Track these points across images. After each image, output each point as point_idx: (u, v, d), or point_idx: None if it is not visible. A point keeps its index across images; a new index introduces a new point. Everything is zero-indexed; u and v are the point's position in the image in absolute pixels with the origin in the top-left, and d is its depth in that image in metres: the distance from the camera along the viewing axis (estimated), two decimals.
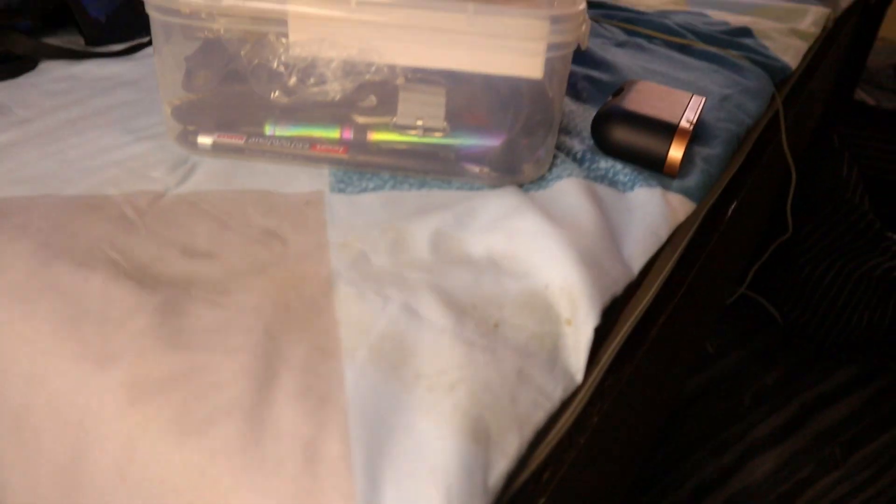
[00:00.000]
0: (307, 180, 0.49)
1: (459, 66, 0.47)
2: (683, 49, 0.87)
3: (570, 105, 0.65)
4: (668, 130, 0.55)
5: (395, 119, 0.49)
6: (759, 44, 0.93)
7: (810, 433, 1.31)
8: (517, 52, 0.46)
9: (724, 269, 1.01)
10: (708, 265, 0.63)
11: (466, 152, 0.51)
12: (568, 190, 0.49)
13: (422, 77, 0.49)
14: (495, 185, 0.50)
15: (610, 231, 0.47)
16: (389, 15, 0.44)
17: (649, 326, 0.47)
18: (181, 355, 0.35)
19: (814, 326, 1.46)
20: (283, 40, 0.46)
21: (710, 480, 1.19)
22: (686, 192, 0.54)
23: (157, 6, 0.45)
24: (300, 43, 0.46)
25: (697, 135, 0.62)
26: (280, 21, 0.45)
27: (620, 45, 0.85)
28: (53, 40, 0.68)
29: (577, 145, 0.57)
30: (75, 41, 0.69)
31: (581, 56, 0.75)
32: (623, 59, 0.78)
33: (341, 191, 0.49)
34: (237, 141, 0.50)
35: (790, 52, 0.93)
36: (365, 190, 0.49)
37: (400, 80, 0.47)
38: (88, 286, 0.39)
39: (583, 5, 0.47)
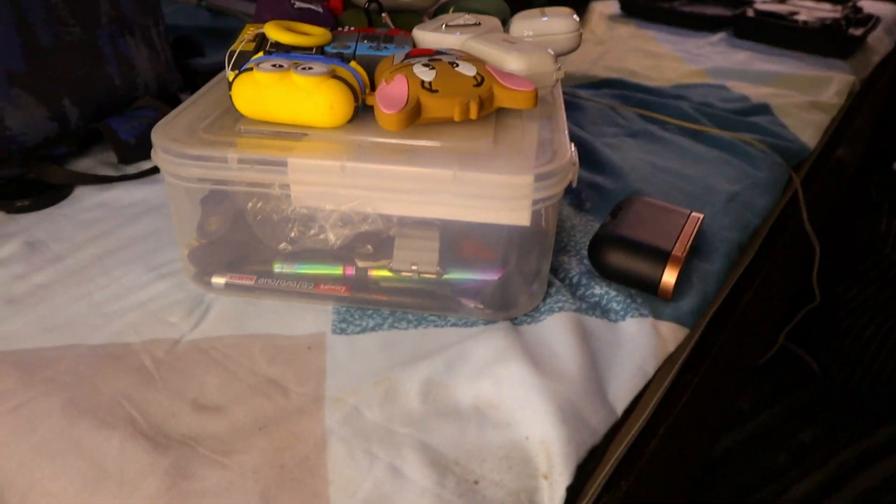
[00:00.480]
0: (312, 320, 0.53)
1: (448, 216, 0.50)
2: (697, 135, 0.88)
3: (573, 218, 0.67)
4: (662, 257, 0.56)
5: (391, 264, 0.52)
6: (778, 122, 0.94)
7: (850, 495, 1.28)
8: (503, 206, 0.49)
9: (752, 335, 1.01)
10: (711, 372, 0.65)
11: (462, 287, 0.54)
12: (558, 327, 0.52)
13: (416, 220, 0.52)
14: (490, 319, 0.53)
15: (596, 372, 0.49)
16: (377, 178, 0.48)
17: (649, 438, 0.51)
18: None
19: (854, 382, 1.43)
20: (286, 193, 0.50)
21: None
22: (678, 319, 0.55)
23: (170, 172, 0.49)
24: (300, 197, 0.50)
25: (698, 249, 0.64)
26: (282, 173, 0.49)
27: (633, 134, 0.87)
28: (88, 161, 0.74)
29: (575, 267, 0.60)
30: (108, 158, 0.75)
31: (589, 158, 0.78)
32: (632, 156, 0.80)
33: (342, 331, 0.52)
34: (248, 281, 0.54)
35: (810, 130, 0.93)
36: (364, 329, 0.52)
37: (393, 231, 0.51)
38: (108, 446, 0.43)
39: (568, 156, 0.50)
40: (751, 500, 1.27)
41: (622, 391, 0.49)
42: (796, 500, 1.28)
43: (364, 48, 0.61)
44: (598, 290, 0.57)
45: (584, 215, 0.68)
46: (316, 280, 0.54)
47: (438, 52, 0.58)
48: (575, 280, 0.58)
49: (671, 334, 0.54)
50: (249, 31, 0.61)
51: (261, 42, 0.59)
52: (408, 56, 0.58)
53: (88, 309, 0.53)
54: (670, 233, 0.59)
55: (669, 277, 0.56)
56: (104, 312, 0.53)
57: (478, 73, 0.54)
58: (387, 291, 0.54)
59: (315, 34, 0.61)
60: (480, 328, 0.52)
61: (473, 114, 0.52)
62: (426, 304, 0.54)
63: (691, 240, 0.59)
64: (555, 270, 0.59)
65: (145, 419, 0.45)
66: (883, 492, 1.29)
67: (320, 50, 0.59)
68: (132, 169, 0.73)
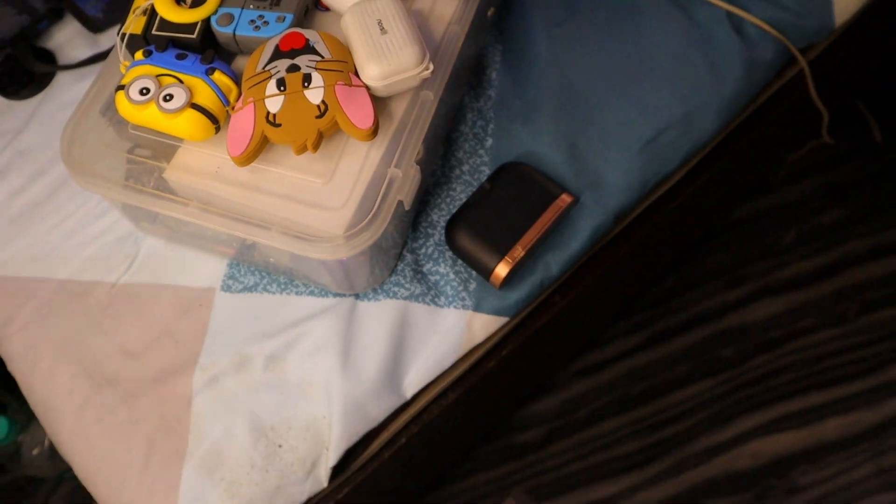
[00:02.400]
0: (210, 273, 0.70)
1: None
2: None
3: (468, 160, 0.72)
4: (500, 250, 0.65)
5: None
6: None
7: (837, 285, 1.36)
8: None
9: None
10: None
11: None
12: (384, 316, 0.66)
13: None
14: (340, 292, 0.67)
15: (398, 366, 0.65)
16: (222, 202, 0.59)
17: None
18: (105, 444, 0.65)
19: None
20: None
21: (709, 312, 1.36)
22: (499, 310, 0.67)
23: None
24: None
25: (558, 233, 0.69)
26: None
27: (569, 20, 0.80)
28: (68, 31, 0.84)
29: (437, 233, 0.69)
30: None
31: (515, 67, 0.76)
32: (575, 58, 0.76)
33: (228, 288, 0.69)
34: (166, 231, 0.71)
35: None
36: (245, 288, 0.69)
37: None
38: (61, 380, 0.68)
39: (388, 214, 0.57)
40: (738, 272, 1.39)
41: (416, 380, 0.66)
42: (782, 279, 1.39)
43: (245, 25, 0.63)
44: (441, 269, 0.68)
45: (480, 157, 0.73)
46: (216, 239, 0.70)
47: (306, 46, 0.61)
48: (429, 251, 0.69)
49: (483, 328, 0.67)
50: (140, 2, 0.64)
51: (150, 17, 0.63)
52: (275, 52, 0.61)
53: (59, 240, 0.73)
54: (522, 222, 0.66)
55: (501, 271, 0.65)
56: (69, 245, 0.73)
57: (323, 102, 0.58)
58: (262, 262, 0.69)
59: (201, 7, 0.63)
60: (330, 301, 0.68)
61: (311, 150, 0.58)
62: (293, 270, 0.68)
63: (543, 231, 0.66)
64: (420, 230, 0.70)
65: (89, 358, 0.68)
66: (869, 288, 1.36)
67: (203, 34, 0.62)
68: (106, 40, 0.83)
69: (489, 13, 0.77)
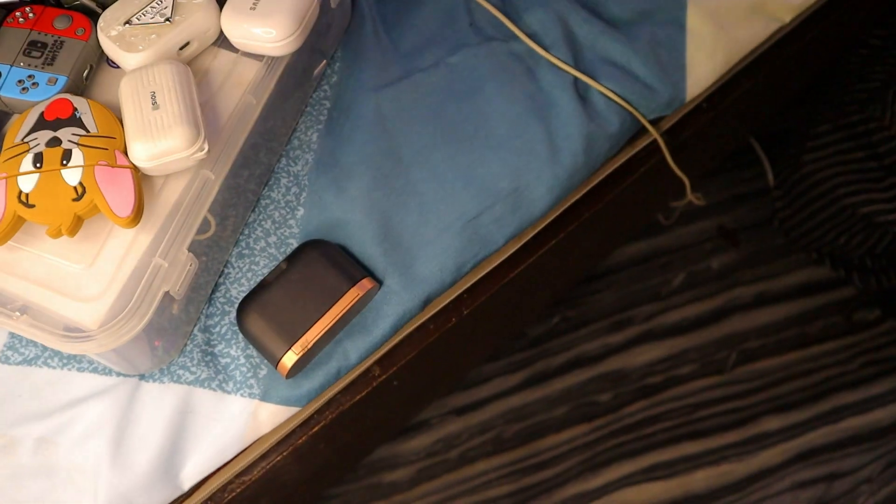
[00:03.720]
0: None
1: None
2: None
3: (275, 230, 0.69)
4: (288, 338, 0.62)
5: None
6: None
7: (719, 332, 1.37)
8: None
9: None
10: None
11: None
12: (165, 402, 0.62)
13: None
14: (123, 372, 0.64)
15: (175, 456, 0.62)
16: None
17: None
18: None
19: (796, 217, 1.38)
20: None
21: (591, 355, 1.35)
22: (288, 400, 0.64)
23: None
24: None
25: (363, 316, 0.66)
26: None
27: (450, 58, 0.76)
28: None
29: (230, 315, 0.66)
30: None
31: (335, 110, 0.73)
32: (393, 121, 0.73)
33: (6, 360, 0.65)
34: None
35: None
36: (24, 361, 0.64)
37: None
38: None
39: (147, 315, 0.53)
40: (624, 314, 1.39)
41: (195, 471, 0.62)
42: (665, 325, 1.39)
43: (12, 86, 0.58)
44: (233, 352, 0.64)
45: (290, 228, 0.69)
46: None
47: (72, 117, 0.56)
48: (223, 331, 0.65)
49: (270, 418, 0.63)
50: None
51: None
52: (39, 121, 0.56)
53: None
54: (316, 308, 0.63)
55: (287, 361, 0.62)
56: None
57: (80, 184, 0.54)
58: None
59: None
60: (112, 381, 0.63)
61: (67, 234, 0.54)
62: None
63: (337, 318, 0.63)
64: (216, 305, 0.66)
65: None
66: (750, 338, 1.37)
67: None
68: None
69: (318, 68, 0.73)
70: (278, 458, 0.68)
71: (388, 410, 0.94)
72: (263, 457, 0.68)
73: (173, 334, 0.63)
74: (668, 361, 1.36)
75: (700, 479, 1.27)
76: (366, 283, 0.64)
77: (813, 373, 1.35)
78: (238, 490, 0.67)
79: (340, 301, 0.63)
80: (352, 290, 0.63)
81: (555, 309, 1.38)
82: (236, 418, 0.63)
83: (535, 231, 0.77)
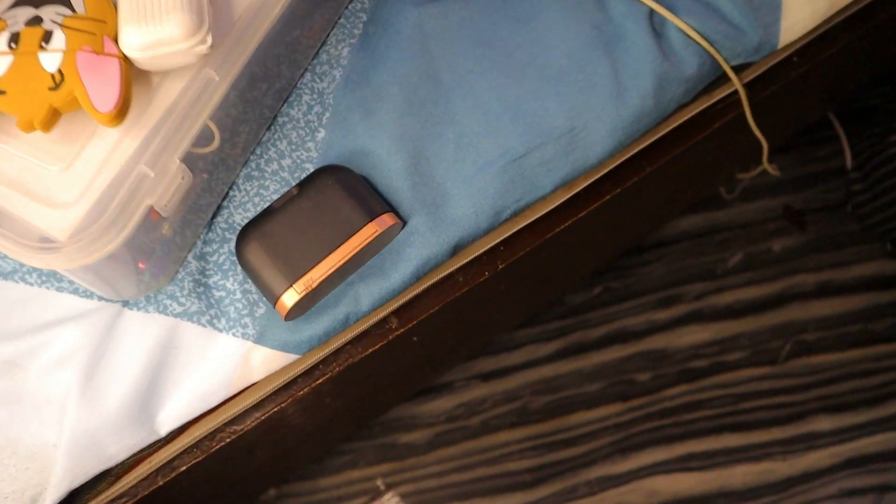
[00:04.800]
0: None
1: None
2: None
3: (293, 151, 0.59)
4: (290, 275, 0.52)
5: None
6: None
7: (774, 320, 1.25)
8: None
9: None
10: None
11: None
12: (146, 333, 0.53)
13: None
14: (104, 296, 0.55)
15: (156, 393, 0.53)
16: None
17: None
18: None
19: (873, 203, 1.23)
20: None
21: (632, 330, 1.24)
22: (286, 345, 0.54)
23: None
24: None
25: (381, 258, 0.56)
26: None
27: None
28: None
29: (230, 243, 0.57)
30: None
31: (371, 23, 0.62)
32: (435, 40, 0.62)
33: None
34: None
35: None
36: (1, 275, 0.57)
37: None
38: None
39: (127, 229, 0.44)
40: (672, 291, 1.27)
41: (174, 415, 0.53)
42: (716, 307, 1.27)
43: None
44: (229, 285, 0.55)
45: (308, 151, 0.59)
46: None
47: None
48: (220, 260, 0.56)
49: (263, 364, 0.54)
50: None
51: None
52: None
53: None
54: (326, 243, 0.53)
55: (287, 300, 0.52)
56: None
57: (59, 72, 0.45)
58: None
59: None
60: (93, 305, 0.55)
61: (41, 129, 0.45)
62: None
63: (350, 257, 0.53)
64: (216, 231, 0.57)
65: None
66: (807, 329, 1.24)
67: None
68: None
69: None
70: (275, 409, 0.60)
71: (405, 368, 0.85)
72: (258, 406, 0.60)
73: (163, 258, 0.54)
74: (716, 345, 1.24)
75: (738, 475, 1.16)
76: (387, 219, 0.54)
77: (874, 374, 1.21)
78: (228, 440, 0.59)
79: (355, 236, 0.53)
80: (370, 224, 0.53)
81: (598, 278, 1.26)
82: (225, 360, 0.54)
83: (589, 181, 0.66)
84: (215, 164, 0.54)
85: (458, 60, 0.61)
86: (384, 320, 0.62)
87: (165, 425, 0.54)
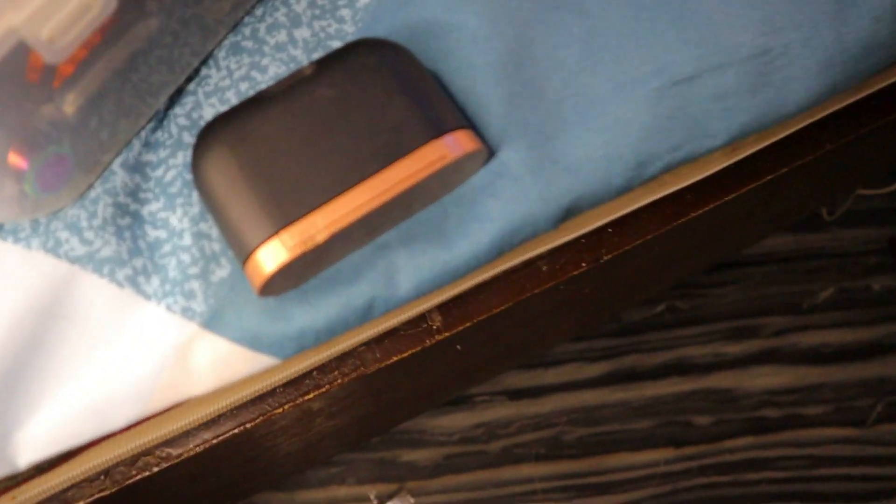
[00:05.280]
0: None
1: None
2: None
3: (329, 15, 0.35)
4: (280, 213, 0.28)
5: None
6: None
7: (865, 373, 1.00)
8: None
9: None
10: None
11: None
12: (15, 279, 0.29)
13: None
14: None
15: (17, 397, 0.29)
16: None
17: None
18: None
19: None
20: None
21: (694, 363, 1.00)
22: (257, 340, 0.30)
23: None
24: None
25: (435, 209, 0.32)
26: None
27: None
28: None
29: (183, 152, 0.32)
30: None
31: None
32: None
33: None
34: None
35: None
36: None
37: None
38: None
39: None
40: (748, 321, 1.03)
41: (41, 439, 0.29)
42: (795, 347, 1.02)
43: None
44: (174, 221, 0.31)
45: (341, 21, 0.35)
46: None
47: None
48: (167, 177, 0.32)
49: (214, 365, 0.30)
50: None
51: None
52: None
53: None
54: (353, 166, 0.29)
55: (268, 259, 0.28)
56: None
57: None
58: None
59: None
60: None
61: None
62: None
63: (391, 197, 0.29)
64: (167, 130, 0.33)
65: None
66: None
67: None
68: None
69: None
70: (236, 431, 0.36)
71: (433, 381, 0.61)
72: (209, 425, 0.36)
73: (62, 159, 0.30)
74: (794, 394, 0.99)
75: None
76: (463, 140, 0.30)
77: None
78: (157, 468, 0.35)
79: (403, 163, 0.29)
80: (432, 144, 0.29)
81: (662, 294, 1.02)
82: (148, 349, 0.30)
83: (764, 143, 0.42)
84: (172, 6, 0.30)
85: None
86: (423, 316, 0.38)
87: (26, 454, 0.29)
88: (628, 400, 0.97)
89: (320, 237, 0.28)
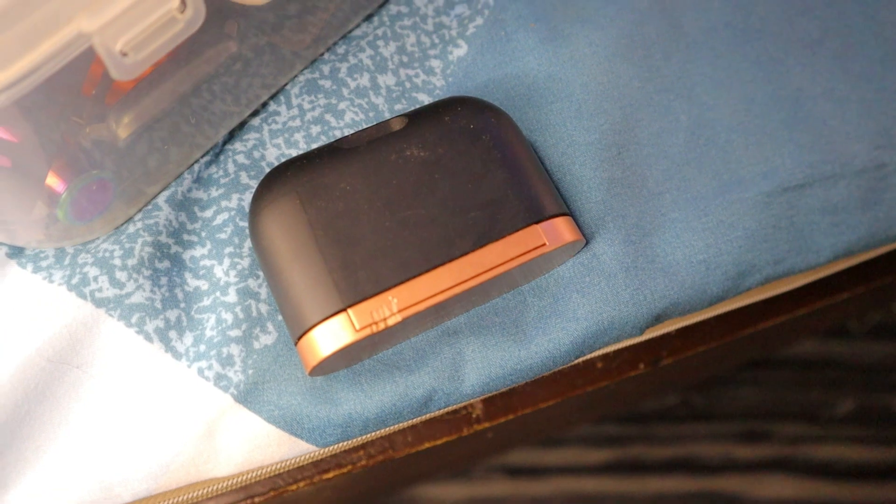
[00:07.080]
0: None
1: None
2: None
3: (417, 65, 0.32)
4: (352, 288, 0.24)
5: None
6: None
7: (883, 496, 0.95)
8: None
9: None
10: None
11: None
12: (30, 315, 0.26)
13: None
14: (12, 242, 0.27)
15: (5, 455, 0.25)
16: None
17: None
18: None
19: None
20: None
21: (703, 463, 0.95)
22: (297, 424, 0.26)
23: None
24: None
25: (517, 300, 0.28)
26: None
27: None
28: None
29: (240, 194, 0.29)
30: None
31: None
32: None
33: None
34: None
35: None
36: None
37: None
38: None
39: None
40: (765, 425, 0.98)
41: None
42: (812, 458, 0.98)
43: None
44: (219, 273, 0.27)
45: (431, 73, 0.32)
46: None
47: None
48: (218, 220, 0.28)
49: (244, 445, 0.26)
50: None
51: None
52: None
53: None
54: (440, 243, 0.25)
55: (328, 337, 0.24)
56: None
57: None
58: None
59: None
60: None
61: None
62: None
63: (477, 281, 0.25)
64: (224, 165, 0.29)
65: None
66: None
67: None
68: None
69: None
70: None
71: (449, 461, 0.57)
72: (215, 498, 0.31)
73: (103, 185, 0.26)
74: None
75: None
76: (565, 229, 0.26)
77: None
78: None
79: (496, 246, 0.25)
80: (530, 230, 0.25)
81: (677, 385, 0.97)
82: (172, 419, 0.26)
83: (858, 259, 0.38)
84: (259, 29, 0.27)
85: (712, 5, 0.34)
86: (464, 406, 0.34)
87: None
88: (631, 493, 0.92)
89: (392, 321, 0.24)
